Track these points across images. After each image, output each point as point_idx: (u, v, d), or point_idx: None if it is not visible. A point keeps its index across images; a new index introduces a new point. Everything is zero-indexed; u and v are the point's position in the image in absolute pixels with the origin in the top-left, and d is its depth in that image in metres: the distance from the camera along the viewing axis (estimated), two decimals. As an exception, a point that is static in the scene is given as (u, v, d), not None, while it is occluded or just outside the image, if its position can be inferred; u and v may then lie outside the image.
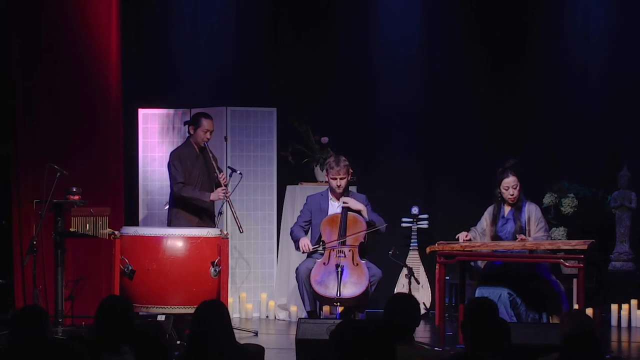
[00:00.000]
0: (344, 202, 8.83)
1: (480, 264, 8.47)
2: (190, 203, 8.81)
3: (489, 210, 8.40)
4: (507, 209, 8.34)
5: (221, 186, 8.78)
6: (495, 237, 8.30)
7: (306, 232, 9.02)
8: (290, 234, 9.06)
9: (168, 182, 9.01)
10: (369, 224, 8.79)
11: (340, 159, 8.88)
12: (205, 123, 8.88)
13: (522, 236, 8.11)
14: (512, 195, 8.26)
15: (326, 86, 10.75)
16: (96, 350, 4.87)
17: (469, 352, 4.84)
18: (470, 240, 8.19)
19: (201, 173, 8.90)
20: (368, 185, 9.97)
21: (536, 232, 8.22)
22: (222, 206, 9.19)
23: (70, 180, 8.57)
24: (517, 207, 8.30)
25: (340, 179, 8.86)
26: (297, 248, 8.94)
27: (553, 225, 10.06)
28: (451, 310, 9.78)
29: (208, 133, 8.89)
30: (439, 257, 8.06)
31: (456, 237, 8.24)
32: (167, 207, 9.08)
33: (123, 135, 9.79)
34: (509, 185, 8.26)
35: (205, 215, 8.92)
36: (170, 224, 8.90)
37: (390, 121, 10.75)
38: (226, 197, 8.73)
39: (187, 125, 9.05)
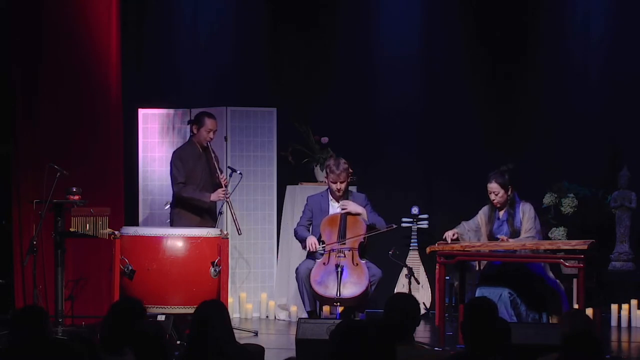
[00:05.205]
0: (342, 207, 8.82)
1: (475, 264, 8.49)
2: (191, 203, 8.81)
3: (484, 210, 8.39)
4: (501, 211, 8.35)
5: (222, 186, 8.79)
6: (491, 237, 8.30)
7: (309, 232, 9.00)
8: (295, 235, 9.00)
9: (168, 182, 9.02)
10: (370, 228, 8.76)
11: (339, 163, 8.82)
12: (209, 122, 8.87)
13: (503, 237, 8.12)
14: (495, 200, 8.29)
15: (326, 86, 10.75)
16: (98, 351, 4.87)
17: (469, 352, 4.84)
18: (457, 238, 8.19)
19: (204, 172, 8.90)
20: (368, 185, 9.96)
21: (525, 233, 8.21)
22: (222, 206, 9.19)
23: (70, 180, 8.56)
24: (510, 209, 8.30)
25: (340, 182, 8.82)
26: (304, 247, 8.89)
27: (553, 225, 10.06)
28: (451, 310, 9.78)
29: (211, 133, 8.88)
30: (439, 257, 8.06)
31: (444, 237, 8.22)
32: (168, 206, 9.08)
33: (123, 135, 9.80)
34: (491, 191, 8.30)
35: (207, 214, 8.92)
36: (172, 223, 8.91)
37: (390, 121, 10.74)
38: (226, 197, 8.73)
39: (189, 125, 9.05)
